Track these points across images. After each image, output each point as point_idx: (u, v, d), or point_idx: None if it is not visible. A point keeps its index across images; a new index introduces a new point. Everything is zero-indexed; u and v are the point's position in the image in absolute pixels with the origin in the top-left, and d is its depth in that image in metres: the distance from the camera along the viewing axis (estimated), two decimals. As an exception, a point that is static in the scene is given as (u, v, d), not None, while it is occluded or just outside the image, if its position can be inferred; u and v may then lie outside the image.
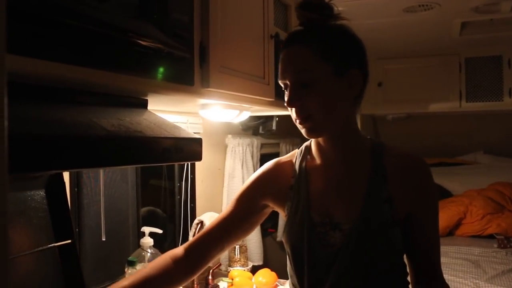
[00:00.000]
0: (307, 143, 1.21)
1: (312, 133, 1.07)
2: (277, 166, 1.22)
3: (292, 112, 1.06)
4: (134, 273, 1.13)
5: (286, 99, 1.06)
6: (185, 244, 1.20)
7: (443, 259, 1.16)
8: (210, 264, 1.28)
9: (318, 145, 1.14)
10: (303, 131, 1.07)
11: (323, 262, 1.07)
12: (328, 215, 1.09)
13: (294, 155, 1.21)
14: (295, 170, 1.17)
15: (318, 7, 1.06)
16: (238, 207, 1.20)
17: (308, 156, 1.18)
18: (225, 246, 1.22)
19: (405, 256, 1.15)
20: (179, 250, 1.18)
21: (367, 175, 1.09)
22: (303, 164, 1.17)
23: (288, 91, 1.05)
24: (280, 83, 1.08)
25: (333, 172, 1.12)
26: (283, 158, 1.23)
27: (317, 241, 1.08)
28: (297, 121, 1.06)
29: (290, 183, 1.16)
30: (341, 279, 1.05)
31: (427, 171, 1.11)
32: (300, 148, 1.21)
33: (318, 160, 1.15)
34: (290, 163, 1.20)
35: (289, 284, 1.20)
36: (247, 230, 1.24)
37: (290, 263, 1.15)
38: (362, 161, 1.11)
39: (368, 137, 1.16)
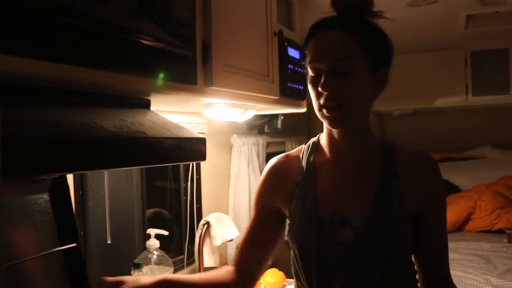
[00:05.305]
0: (314, 138, 1.18)
1: (337, 123, 1.03)
2: (282, 163, 1.18)
3: (318, 100, 1.02)
4: (201, 273, 1.15)
5: (310, 83, 1.03)
6: (234, 262, 1.20)
7: (452, 255, 1.16)
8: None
9: (330, 139, 1.11)
10: (327, 121, 1.03)
11: (332, 260, 1.05)
12: (338, 212, 1.06)
13: (301, 150, 1.18)
14: (302, 166, 1.14)
15: None
16: (257, 217, 1.19)
17: (316, 151, 1.15)
18: (264, 258, 1.19)
19: (413, 255, 1.14)
20: (231, 266, 1.20)
21: (378, 171, 1.07)
22: (311, 159, 1.14)
23: (323, 76, 0.99)
24: (310, 67, 1.03)
25: (343, 167, 1.10)
26: (291, 152, 1.20)
27: (326, 239, 1.05)
28: (325, 109, 1.01)
29: (296, 180, 1.13)
30: (351, 278, 1.03)
31: (437, 168, 1.10)
32: (307, 144, 1.18)
33: (327, 155, 1.12)
34: (297, 158, 1.17)
35: (295, 285, 1.18)
36: (277, 237, 1.20)
37: (297, 262, 1.12)
38: (373, 158, 1.09)
39: (378, 135, 1.15)
